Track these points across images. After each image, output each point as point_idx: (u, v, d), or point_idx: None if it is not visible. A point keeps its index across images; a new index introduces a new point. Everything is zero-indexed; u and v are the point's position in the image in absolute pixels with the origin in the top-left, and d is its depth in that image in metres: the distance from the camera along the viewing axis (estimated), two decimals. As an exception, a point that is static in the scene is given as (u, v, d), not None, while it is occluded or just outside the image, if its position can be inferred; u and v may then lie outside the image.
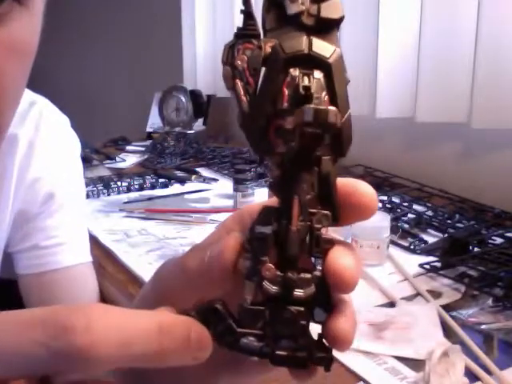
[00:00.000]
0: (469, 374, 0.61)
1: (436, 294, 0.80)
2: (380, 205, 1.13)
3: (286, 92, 0.21)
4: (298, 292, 0.23)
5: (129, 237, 1.02)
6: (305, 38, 0.22)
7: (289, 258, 0.23)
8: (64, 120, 0.76)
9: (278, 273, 0.23)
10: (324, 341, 0.24)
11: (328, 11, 0.22)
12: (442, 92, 1.18)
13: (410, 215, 1.08)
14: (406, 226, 1.04)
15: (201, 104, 1.84)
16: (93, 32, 2.74)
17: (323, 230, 0.24)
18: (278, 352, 0.23)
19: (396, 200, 1.16)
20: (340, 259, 0.23)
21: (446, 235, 0.99)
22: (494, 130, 1.12)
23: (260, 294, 0.23)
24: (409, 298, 0.80)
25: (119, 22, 2.58)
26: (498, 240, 0.96)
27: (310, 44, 0.22)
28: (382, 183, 1.28)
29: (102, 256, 0.95)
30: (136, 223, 1.09)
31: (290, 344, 0.23)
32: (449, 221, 1.05)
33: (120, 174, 1.40)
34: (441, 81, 1.17)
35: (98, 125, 2.34)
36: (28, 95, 0.69)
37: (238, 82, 0.22)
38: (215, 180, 1.37)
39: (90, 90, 2.85)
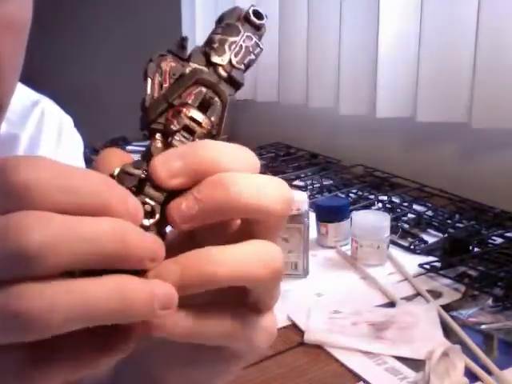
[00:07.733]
0: (469, 373, 0.61)
1: (436, 294, 0.80)
2: (380, 205, 1.13)
3: (193, 93, 0.29)
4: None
5: (129, 237, 1.02)
6: (217, 78, 0.30)
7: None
8: (67, 120, 0.75)
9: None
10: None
11: (238, 76, 0.30)
12: (442, 92, 1.18)
13: (410, 215, 1.08)
14: (406, 225, 1.04)
15: (201, 104, 1.84)
16: (92, 32, 2.74)
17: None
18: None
19: (396, 200, 1.16)
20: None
21: (446, 235, 0.99)
22: (494, 130, 1.12)
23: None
24: (409, 298, 0.80)
25: (119, 22, 2.58)
26: (498, 240, 0.96)
27: (219, 83, 0.30)
28: (381, 183, 1.28)
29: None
30: (136, 223, 1.09)
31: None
32: (449, 221, 1.05)
33: (120, 173, 1.40)
34: (441, 81, 1.17)
35: (98, 125, 2.33)
36: (30, 95, 0.68)
37: (157, 77, 0.30)
38: (215, 180, 1.36)
39: (90, 90, 2.85)
